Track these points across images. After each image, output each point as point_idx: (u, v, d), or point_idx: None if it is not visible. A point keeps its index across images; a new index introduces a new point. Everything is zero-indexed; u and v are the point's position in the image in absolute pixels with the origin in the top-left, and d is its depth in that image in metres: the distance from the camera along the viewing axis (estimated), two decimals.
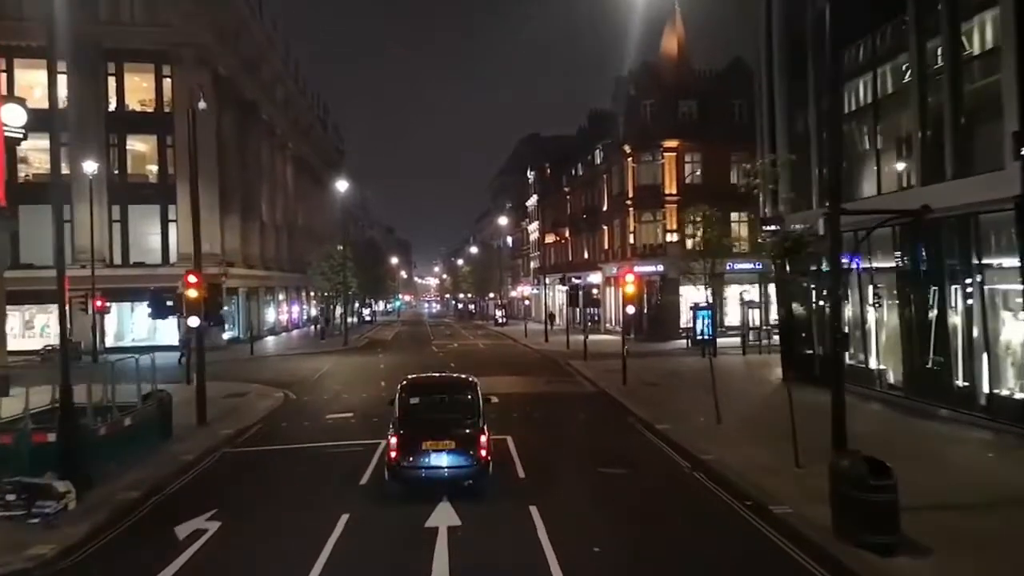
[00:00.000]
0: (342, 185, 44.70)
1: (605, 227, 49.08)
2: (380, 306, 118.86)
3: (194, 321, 17.11)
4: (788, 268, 21.95)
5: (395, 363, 31.71)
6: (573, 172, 60.82)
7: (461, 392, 12.16)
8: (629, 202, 43.25)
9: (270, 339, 49.72)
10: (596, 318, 53.49)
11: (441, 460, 10.76)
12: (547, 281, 69.86)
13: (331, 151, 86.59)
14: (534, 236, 78.54)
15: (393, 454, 10.78)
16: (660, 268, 41.85)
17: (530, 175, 78.89)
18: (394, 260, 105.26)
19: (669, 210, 41.91)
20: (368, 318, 77.60)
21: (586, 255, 55.54)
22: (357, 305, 73.34)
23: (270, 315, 54.94)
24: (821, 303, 22.11)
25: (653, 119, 42.07)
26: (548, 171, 70.14)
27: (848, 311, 20.70)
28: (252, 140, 49.92)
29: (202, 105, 16.27)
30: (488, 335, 54.65)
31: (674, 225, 41.88)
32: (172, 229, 40.52)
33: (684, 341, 39.85)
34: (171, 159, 40.75)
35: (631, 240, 43.28)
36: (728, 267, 42.27)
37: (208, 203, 39.92)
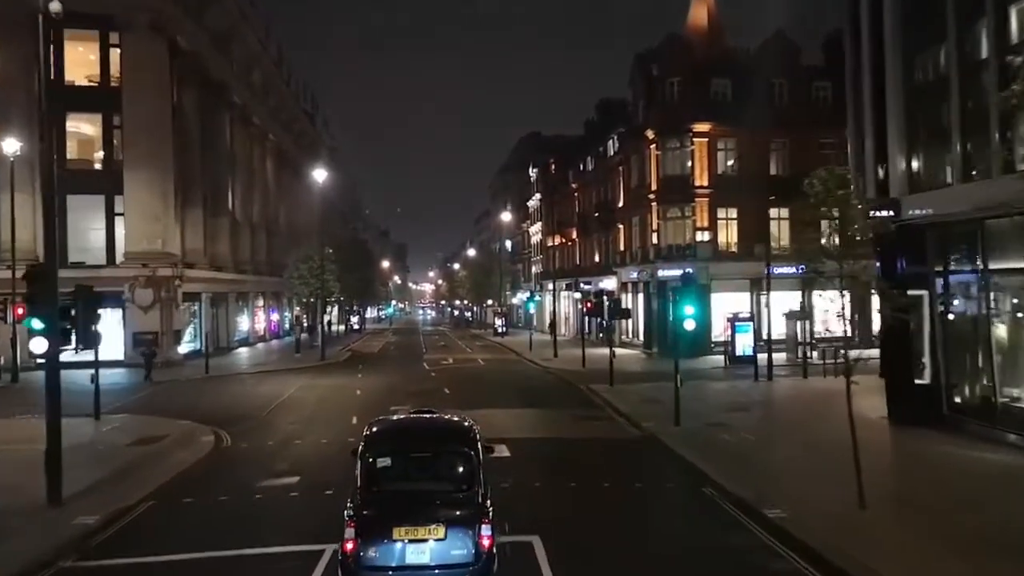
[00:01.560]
0: (320, 175, 38.86)
1: (621, 225, 43.30)
2: (372, 312, 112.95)
3: (38, 345, 11.15)
4: (904, 267, 16.21)
5: (375, 387, 25.83)
6: (581, 167, 55.06)
7: (452, 445, 8.29)
8: (652, 196, 37.47)
9: (242, 351, 43.79)
10: (603, 327, 47.67)
11: (422, 556, 7.23)
12: (551, 287, 64.21)
13: (319, 147, 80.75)
14: (536, 238, 72.75)
15: (349, 545, 7.22)
16: (690, 271, 35.92)
17: (532, 172, 73.12)
18: (385, 264, 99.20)
19: (699, 205, 36.13)
20: (357, 326, 71.59)
21: (597, 258, 49.74)
22: (340, 312, 67.37)
23: (243, 324, 49.00)
24: (951, 316, 16.27)
25: (680, 100, 36.35)
26: (553, 167, 64.43)
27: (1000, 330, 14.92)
28: (220, 126, 44.07)
29: (55, 7, 10.33)
30: (487, 347, 48.75)
31: (705, 222, 36.13)
32: (119, 223, 34.58)
33: (715, 357, 34.09)
34: (119, 142, 34.87)
35: (654, 239, 37.48)
36: (767, 271, 36.66)
37: (159, 193, 34.17)
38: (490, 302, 78.27)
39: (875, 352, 25.21)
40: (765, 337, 31.95)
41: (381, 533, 7.23)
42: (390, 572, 7.24)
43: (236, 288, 45.66)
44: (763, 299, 35.93)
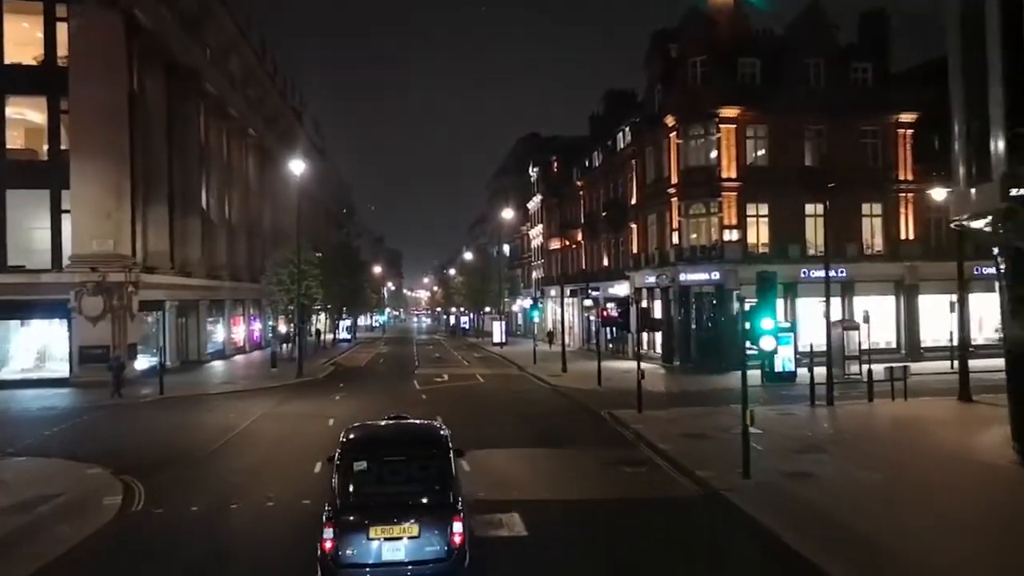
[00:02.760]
0: (297, 166, 34.50)
1: (634, 225, 39.11)
2: (365, 320, 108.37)
3: None
4: None
5: (352, 415, 21.37)
6: (587, 163, 50.92)
7: (424, 449, 8.74)
8: (672, 190, 33.29)
9: (216, 365, 39.42)
10: (615, 337, 43.48)
11: (397, 552, 7.73)
12: (553, 294, 60.06)
13: (307, 146, 76.50)
14: (537, 242, 68.59)
15: (328, 544, 7.67)
16: (716, 276, 31.84)
17: (533, 172, 68.99)
18: (377, 269, 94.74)
19: (727, 199, 31.95)
20: (347, 336, 67.15)
21: (606, 261, 45.53)
22: (331, 321, 63.03)
23: (218, 334, 44.65)
24: None
25: (704, 82, 32.21)
26: (555, 165, 60.30)
27: None
28: (191, 116, 39.83)
29: None
30: (486, 360, 44.43)
31: (733, 219, 31.94)
32: (66, 222, 30.25)
33: (744, 372, 29.87)
34: (66, 129, 30.58)
35: (674, 239, 33.26)
36: (802, 274, 32.52)
37: (112, 187, 29.85)
38: (488, 309, 74.01)
39: (926, 366, 21.51)
40: (803, 349, 27.78)
41: (358, 532, 7.73)
42: (367, 569, 7.71)
43: (209, 295, 41.33)
44: (798, 306, 31.86)
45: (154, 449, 16.55)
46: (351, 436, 8.91)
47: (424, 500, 8.14)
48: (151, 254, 34.26)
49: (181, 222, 38.99)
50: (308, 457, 14.87)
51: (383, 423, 10.08)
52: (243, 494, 12.64)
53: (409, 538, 7.75)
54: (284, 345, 48.61)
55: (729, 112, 31.66)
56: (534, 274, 70.38)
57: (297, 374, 32.05)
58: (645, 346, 38.28)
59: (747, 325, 12.52)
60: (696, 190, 32.33)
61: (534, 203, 68.75)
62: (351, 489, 8.16)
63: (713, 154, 32.14)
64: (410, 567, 7.72)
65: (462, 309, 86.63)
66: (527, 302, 72.54)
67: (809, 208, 32.73)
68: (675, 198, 33.08)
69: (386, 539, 7.70)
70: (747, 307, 12.63)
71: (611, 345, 44.27)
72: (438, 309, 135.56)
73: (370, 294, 75.65)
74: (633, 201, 39.49)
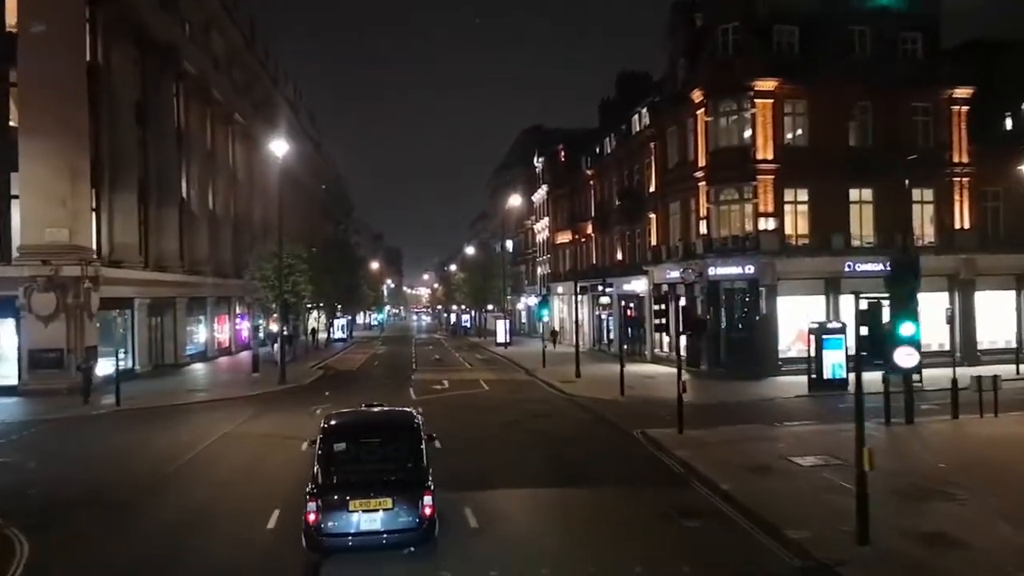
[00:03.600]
0: (279, 147, 30.74)
1: (653, 215, 35.55)
2: (364, 318, 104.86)
3: None
4: None
5: None
6: (598, 150, 47.35)
7: (397, 432, 9.89)
8: (699, 174, 29.72)
9: (195, 368, 36.00)
10: (630, 337, 40.02)
11: (374, 523, 8.74)
12: (560, 291, 56.57)
13: (302, 138, 72.97)
14: (543, 236, 65.01)
15: (311, 517, 8.68)
16: (749, 269, 28.27)
17: (538, 163, 65.37)
18: (375, 265, 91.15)
19: (762, 184, 28.37)
20: (342, 336, 63.58)
21: (620, 255, 41.97)
22: (322, 319, 59.56)
23: (200, 335, 41.16)
24: None
25: (736, 52, 28.62)
26: (563, 154, 56.69)
27: None
28: (167, 96, 36.32)
29: None
30: (491, 363, 40.93)
31: (769, 205, 28.38)
32: (15, 209, 26.75)
33: (785, 379, 26.39)
34: (15, 104, 27.07)
35: (702, 229, 29.71)
36: (847, 267, 28.97)
37: (67, 170, 26.36)
38: (490, 307, 70.50)
39: (987, 371, 18.25)
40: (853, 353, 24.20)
41: (339, 505, 8.69)
42: (349, 538, 8.73)
43: (188, 292, 37.83)
44: (841, 303, 28.32)
45: (76, 482, 13.10)
46: (332, 422, 9.80)
47: (398, 477, 9.05)
48: (118, 246, 30.78)
49: (156, 212, 35.51)
50: (265, 502, 11.37)
51: (361, 409, 11.60)
52: (159, 570, 9.10)
53: (384, 510, 8.66)
54: (275, 346, 45.13)
55: (765, 85, 28.08)
56: (539, 270, 66.82)
57: (279, 380, 28.52)
58: (665, 348, 34.79)
59: (864, 330, 8.94)
60: (727, 173, 28.73)
61: (539, 195, 65.15)
62: (332, 468, 9.06)
63: (747, 133, 28.54)
64: (385, 535, 8.70)
65: (463, 307, 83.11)
66: (532, 299, 69.05)
67: (854, 193, 29.20)
68: (703, 183, 29.50)
69: (364, 511, 8.63)
70: (864, 305, 9.04)
71: (625, 347, 40.77)
72: (438, 307, 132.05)
73: (367, 291, 72.08)
74: (651, 189, 35.90)
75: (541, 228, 65.50)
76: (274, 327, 48.90)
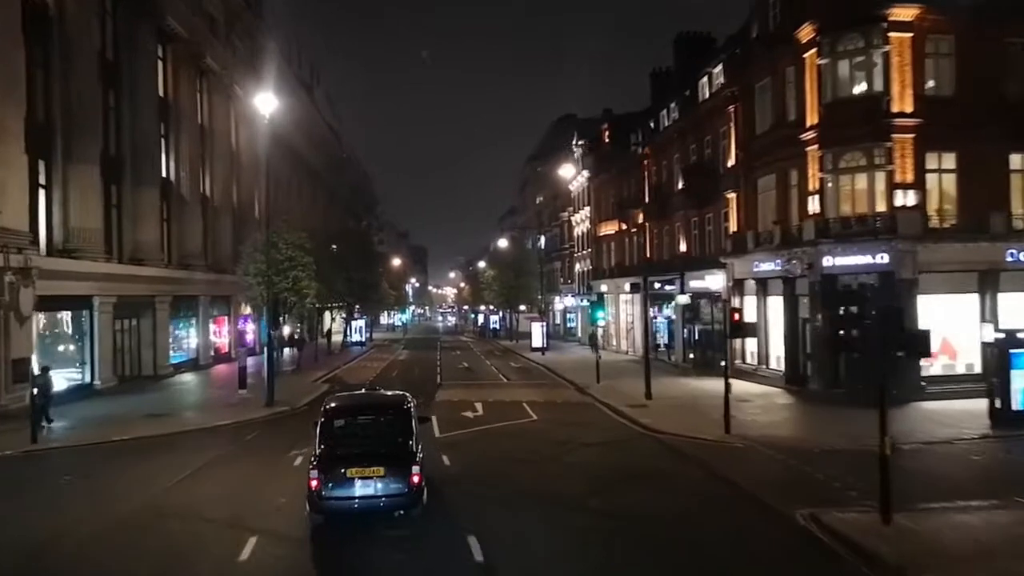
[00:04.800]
0: (265, 103, 24.13)
1: (732, 195, 28.80)
2: (387, 318, 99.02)
3: None
4: None
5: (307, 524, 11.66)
6: (653, 126, 40.65)
7: (390, 412, 11.27)
8: (809, 135, 22.91)
9: (178, 381, 30.22)
10: (699, 344, 33.47)
11: (368, 488, 10.04)
12: (603, 289, 49.95)
13: (316, 122, 67.16)
14: (582, 228, 58.35)
15: (314, 483, 9.97)
16: (883, 259, 21.36)
17: (576, 147, 58.74)
18: (397, 262, 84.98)
19: (899, 146, 21.49)
20: (360, 339, 57.40)
21: (684, 246, 35.22)
22: (335, 321, 53.54)
23: (189, 340, 35.30)
24: None
25: None
26: (608, 133, 49.93)
27: None
28: (146, 56, 30.40)
29: None
30: (530, 374, 34.50)
31: (908, 175, 21.49)
32: None
33: (932, 405, 19.60)
34: None
35: (811, 207, 22.90)
36: (1009, 256, 21.94)
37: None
38: (523, 308, 63.97)
39: None
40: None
41: (337, 473, 9.93)
42: (348, 500, 9.96)
43: (174, 289, 31.94)
44: (1000, 302, 21.42)
45: None
46: (332, 405, 11.22)
47: (389, 450, 10.33)
48: (75, 232, 24.88)
49: (132, 193, 29.69)
50: None
51: (360, 392, 13.81)
52: None
53: (377, 478, 9.97)
54: (287, 350, 39.25)
55: (903, 13, 21.22)
56: (578, 267, 60.18)
57: (267, 401, 22.25)
58: (749, 357, 28.05)
59: None
60: (850, 132, 21.85)
61: (578, 183, 58.48)
62: (332, 442, 10.46)
63: (877, 79, 21.68)
64: (383, 499, 10.02)
65: (491, 307, 76.69)
66: (570, 299, 62.41)
67: (1015, 160, 22.22)
68: (813, 146, 22.68)
69: (360, 478, 9.95)
70: None
71: (690, 355, 34.03)
72: (465, 307, 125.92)
73: (388, 290, 65.96)
74: (730, 164, 29.14)
75: (580, 220, 58.82)
76: (286, 329, 43.09)
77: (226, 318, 39.95)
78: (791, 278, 23.81)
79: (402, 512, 10.02)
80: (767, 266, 25.40)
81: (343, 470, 9.85)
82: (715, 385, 26.70)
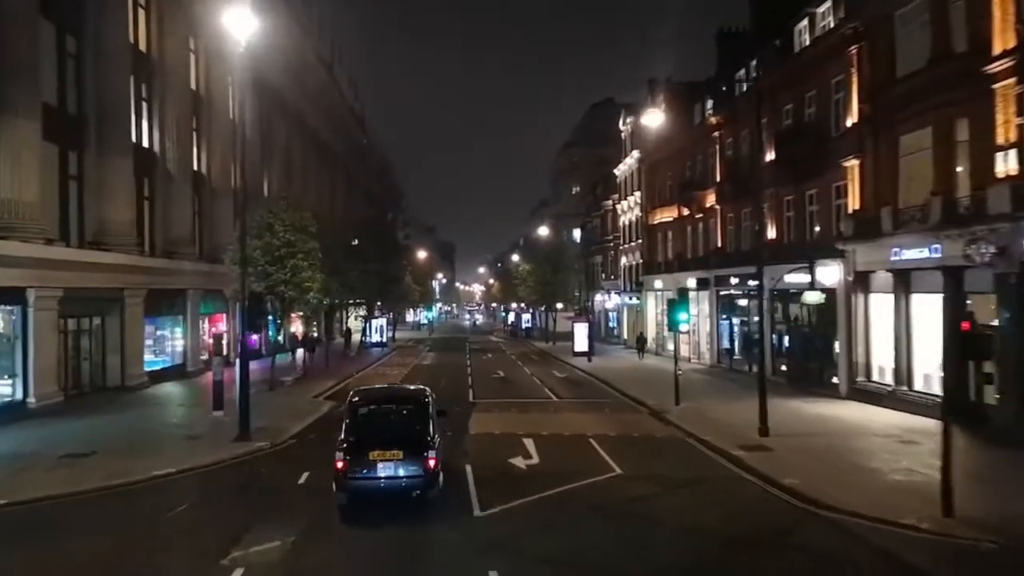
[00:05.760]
0: (237, 21, 17.98)
1: (854, 162, 22.15)
2: (413, 315, 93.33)
3: None
4: None
5: None
6: (726, 89, 34.03)
7: (409, 403, 12.41)
8: (1001, 65, 16.20)
9: (151, 394, 24.67)
10: (801, 355, 27.04)
11: (388, 470, 10.96)
12: (657, 285, 43.48)
13: (337, 104, 61.46)
14: (629, 217, 51.82)
15: (340, 464, 10.90)
16: None
17: (624, 125, 52.21)
18: (422, 254, 79.05)
19: None
20: (381, 340, 51.39)
21: (773, 233, 28.58)
22: (352, 319, 47.77)
23: (174, 342, 29.65)
24: None
25: None
26: (664, 104, 43.21)
27: None
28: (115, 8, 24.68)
29: None
30: (582, 388, 28.29)
31: None
32: None
33: None
34: None
35: (1008, 165, 16.20)
36: None
37: None
38: (560, 306, 57.62)
39: None
40: None
41: (361, 455, 10.95)
42: (373, 480, 10.97)
43: (150, 282, 26.24)
44: None
45: None
46: (357, 397, 12.30)
47: (408, 436, 11.32)
48: (5, 205, 19.18)
49: (96, 163, 24.05)
50: None
51: (383, 387, 17.69)
52: None
53: (396, 461, 10.95)
54: (301, 352, 33.55)
55: None
56: (623, 260, 53.66)
57: (237, 435, 16.13)
58: (877, 375, 21.47)
59: None
60: None
61: (625, 167, 51.97)
62: (356, 428, 11.48)
63: None
64: (404, 480, 10.96)
65: (523, 305, 70.44)
66: (616, 297, 55.92)
67: None
68: (1008, 79, 16.00)
69: (381, 460, 10.92)
70: None
71: (783, 367, 27.37)
72: (493, 305, 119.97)
73: (412, 285, 60.06)
74: (850, 121, 22.49)
75: (627, 208, 52.27)
76: (298, 328, 37.40)
77: (224, 316, 34.27)
78: (959, 268, 17.17)
79: (419, 492, 10.91)
80: (914, 253, 18.79)
81: (367, 453, 10.87)
82: (835, 411, 20.21)
